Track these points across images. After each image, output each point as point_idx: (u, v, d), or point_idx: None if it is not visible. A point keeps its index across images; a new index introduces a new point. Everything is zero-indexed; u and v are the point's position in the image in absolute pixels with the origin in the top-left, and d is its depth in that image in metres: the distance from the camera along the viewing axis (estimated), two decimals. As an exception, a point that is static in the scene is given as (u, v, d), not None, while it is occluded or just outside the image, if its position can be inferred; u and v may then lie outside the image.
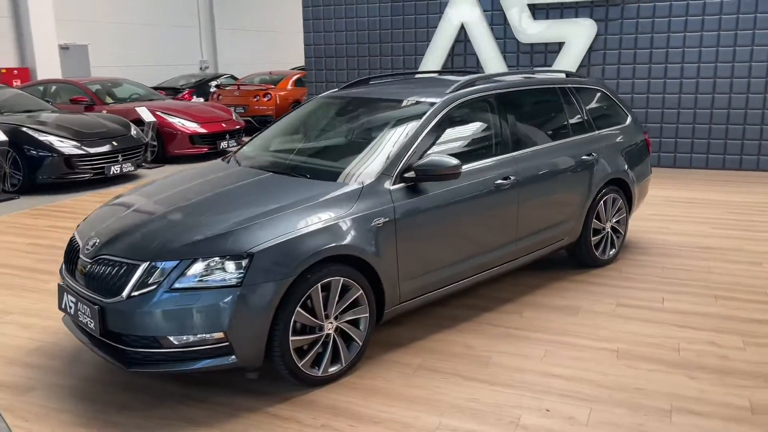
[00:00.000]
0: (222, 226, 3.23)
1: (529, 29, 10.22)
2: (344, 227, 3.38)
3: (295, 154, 4.35)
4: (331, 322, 3.37)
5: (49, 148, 8.70)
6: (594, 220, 5.03)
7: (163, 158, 11.19)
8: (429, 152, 3.86)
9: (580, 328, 4.07)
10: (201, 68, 21.06)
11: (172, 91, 16.43)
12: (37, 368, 3.64)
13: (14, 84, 14.12)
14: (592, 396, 3.26)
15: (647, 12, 9.64)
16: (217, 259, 3.06)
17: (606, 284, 4.84)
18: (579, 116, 5.06)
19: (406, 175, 3.71)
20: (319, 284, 3.26)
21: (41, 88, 12.54)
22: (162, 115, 11.16)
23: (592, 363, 3.61)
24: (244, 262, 3.06)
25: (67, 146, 8.82)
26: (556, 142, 4.75)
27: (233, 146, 11.51)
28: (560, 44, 10.10)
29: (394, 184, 3.67)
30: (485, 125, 4.40)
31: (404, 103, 4.27)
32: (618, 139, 5.29)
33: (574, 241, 4.99)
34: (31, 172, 8.71)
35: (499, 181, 4.18)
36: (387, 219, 3.55)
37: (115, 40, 17.43)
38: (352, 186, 3.59)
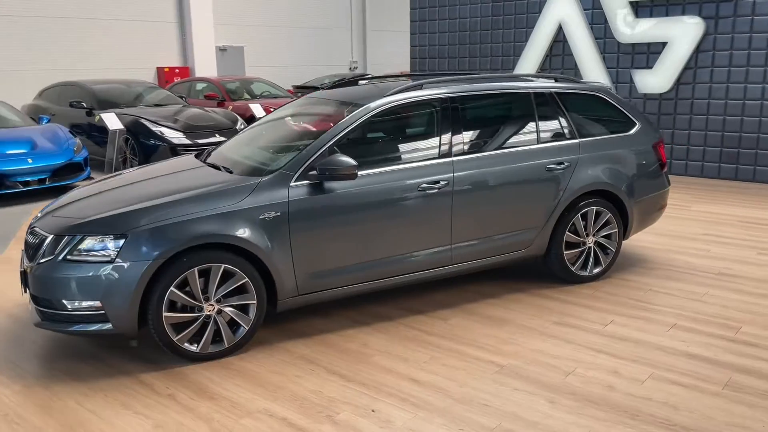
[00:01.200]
0: (118, 208, 3.69)
1: (631, 28, 9.54)
2: (227, 218, 3.67)
3: (246, 149, 4.69)
4: (212, 305, 3.68)
5: (160, 138, 9.93)
6: (569, 233, 4.77)
7: (273, 151, 12.12)
8: (340, 153, 3.99)
9: (489, 340, 3.96)
10: (350, 68, 22.17)
11: (312, 90, 17.58)
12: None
13: (174, 80, 16.08)
14: (426, 403, 3.24)
15: (765, 9, 8.55)
16: (99, 237, 3.53)
17: (563, 300, 4.59)
18: (555, 123, 4.81)
19: (310, 173, 3.90)
20: (195, 268, 3.59)
21: (188, 84, 14.21)
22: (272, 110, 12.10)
23: (462, 373, 3.54)
24: (120, 242, 3.49)
25: (176, 136, 9.99)
26: (511, 149, 4.59)
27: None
28: (663, 44, 9.31)
29: (296, 181, 3.88)
30: (418, 130, 4.41)
31: (345, 106, 4.42)
32: (610, 149, 4.94)
33: (541, 253, 4.77)
34: (146, 158, 10.01)
35: (425, 186, 4.18)
36: (278, 213, 3.78)
37: (269, 42, 19.02)
38: (250, 180, 3.86)
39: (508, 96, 4.74)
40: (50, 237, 3.65)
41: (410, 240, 4.22)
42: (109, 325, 3.53)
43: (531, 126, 4.74)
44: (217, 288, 3.68)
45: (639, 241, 5.99)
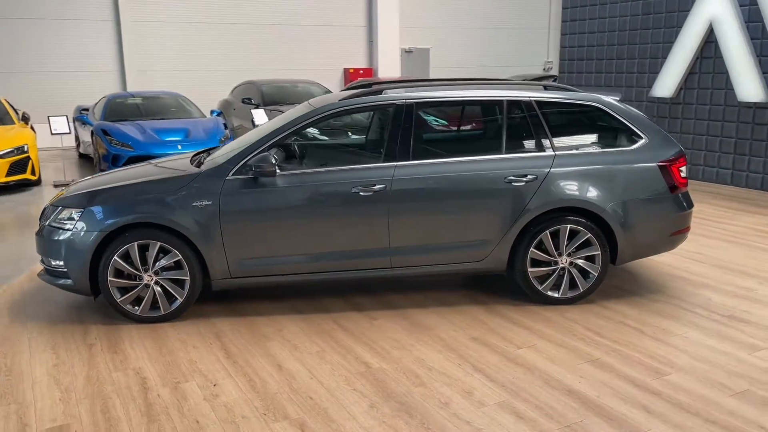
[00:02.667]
0: (91, 188, 4.49)
1: (792, 27, 8.15)
2: (163, 202, 4.26)
3: (231, 149, 5.20)
4: (150, 276, 4.31)
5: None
6: (536, 250, 4.51)
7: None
8: (270, 153, 4.33)
9: (388, 344, 4.02)
10: (544, 69, 21.58)
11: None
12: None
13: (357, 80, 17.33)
14: (262, 387, 3.48)
15: None
16: (69, 209, 4.36)
17: (509, 318, 4.38)
18: (528, 133, 4.56)
19: (245, 169, 4.32)
20: (135, 243, 4.25)
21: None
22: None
23: (326, 368, 3.70)
24: (80, 214, 4.28)
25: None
26: (463, 158, 4.47)
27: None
28: (830, 45, 7.81)
29: (233, 175, 4.33)
30: (365, 134, 4.53)
31: (308, 107, 4.72)
32: (595, 164, 4.53)
33: (501, 268, 4.59)
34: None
35: (358, 189, 4.33)
36: (210, 202, 4.27)
37: (457, 44, 19.38)
38: (193, 171, 4.41)
39: (475, 104, 4.62)
40: (49, 207, 4.59)
41: (343, 239, 4.40)
42: (70, 281, 4.35)
43: (496, 135, 4.57)
44: (155, 262, 4.30)
45: (672, 264, 5.33)
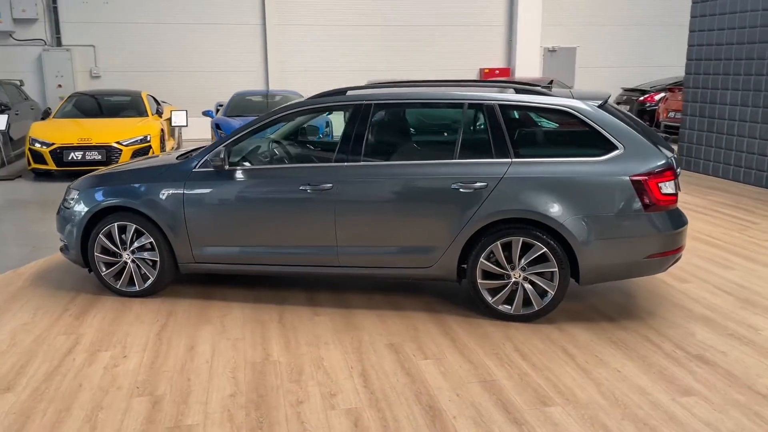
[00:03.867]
0: (100, 173, 5.10)
1: None
2: (135, 190, 4.72)
3: None
4: (128, 255, 4.81)
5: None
6: (487, 262, 4.29)
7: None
8: (226, 149, 4.60)
9: (305, 339, 4.10)
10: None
11: (638, 93, 16.39)
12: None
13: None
14: (122, 366, 3.77)
15: None
16: (75, 190, 4.99)
17: (444, 328, 4.23)
18: (485, 138, 4.31)
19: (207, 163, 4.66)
20: (115, 224, 4.77)
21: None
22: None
23: (200, 358, 3.89)
24: (79, 195, 4.89)
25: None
26: (412, 162, 4.37)
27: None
28: None
29: (198, 168, 4.67)
30: (322, 134, 4.59)
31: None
32: (556, 174, 4.18)
33: (451, 277, 4.42)
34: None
35: (304, 187, 4.44)
36: (176, 191, 4.65)
37: (606, 42, 18.20)
38: (168, 163, 4.82)
39: (435, 106, 4.48)
40: (67, 189, 5.30)
41: (293, 234, 4.53)
42: (70, 254, 5.00)
43: (452, 139, 4.39)
44: (131, 243, 4.79)
45: (688, 290, 4.71)
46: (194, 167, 4.68)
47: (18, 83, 13.77)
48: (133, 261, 4.81)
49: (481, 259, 4.29)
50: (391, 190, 4.38)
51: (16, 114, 12.12)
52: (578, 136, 4.32)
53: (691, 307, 4.59)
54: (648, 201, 4.10)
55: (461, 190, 4.25)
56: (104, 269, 4.86)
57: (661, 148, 4.23)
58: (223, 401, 3.35)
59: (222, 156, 4.51)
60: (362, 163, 4.44)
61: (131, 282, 4.87)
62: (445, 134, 4.52)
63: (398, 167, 4.42)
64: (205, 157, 4.66)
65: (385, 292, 4.88)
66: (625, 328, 4.23)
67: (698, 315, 4.44)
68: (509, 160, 4.27)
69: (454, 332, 4.19)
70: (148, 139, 10.50)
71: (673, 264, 4.39)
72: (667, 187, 4.17)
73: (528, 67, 17.61)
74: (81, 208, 4.83)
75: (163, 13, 15.53)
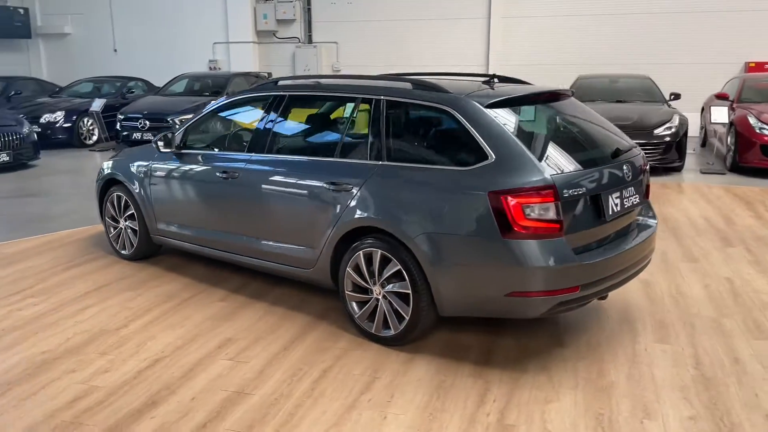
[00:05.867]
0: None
1: None
2: (126, 164, 5.38)
3: None
4: (119, 222, 5.53)
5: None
6: (352, 272, 3.90)
7: (736, 167, 9.96)
8: (191, 135, 4.93)
9: (194, 325, 4.25)
10: None
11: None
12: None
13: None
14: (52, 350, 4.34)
15: None
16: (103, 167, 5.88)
17: (333, 335, 3.97)
18: (364, 137, 3.87)
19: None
20: (114, 194, 5.51)
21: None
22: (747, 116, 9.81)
23: (113, 351, 4.29)
24: (101, 171, 5.75)
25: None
26: (297, 157, 4.19)
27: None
28: None
29: (163, 148, 5.12)
30: (238, 125, 4.62)
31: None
32: (412, 182, 3.60)
33: (328, 283, 4.12)
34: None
35: (220, 174, 4.57)
36: (145, 169, 5.19)
37: None
38: (152, 144, 5.37)
39: (337, 101, 4.17)
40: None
41: (220, 219, 4.67)
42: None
43: (335, 135, 4.06)
44: (120, 211, 5.48)
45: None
46: (160, 148, 5.15)
47: (266, 75, 16.02)
48: (125, 228, 5.51)
49: (348, 269, 3.91)
50: (275, 183, 4.26)
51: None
52: (454, 140, 3.62)
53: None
54: (506, 224, 3.27)
55: (332, 191, 3.93)
56: (112, 231, 5.66)
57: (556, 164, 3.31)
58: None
59: (163, 140, 4.90)
60: (263, 155, 4.40)
61: (123, 247, 5.58)
62: (336, 130, 4.19)
63: (288, 162, 4.26)
64: (167, 138, 5.08)
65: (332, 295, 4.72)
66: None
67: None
68: (380, 162, 3.80)
69: (339, 333, 3.91)
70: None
71: (562, 310, 3.42)
72: (541, 211, 3.26)
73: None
74: (97, 179, 5.70)
75: (397, 10, 16.38)
